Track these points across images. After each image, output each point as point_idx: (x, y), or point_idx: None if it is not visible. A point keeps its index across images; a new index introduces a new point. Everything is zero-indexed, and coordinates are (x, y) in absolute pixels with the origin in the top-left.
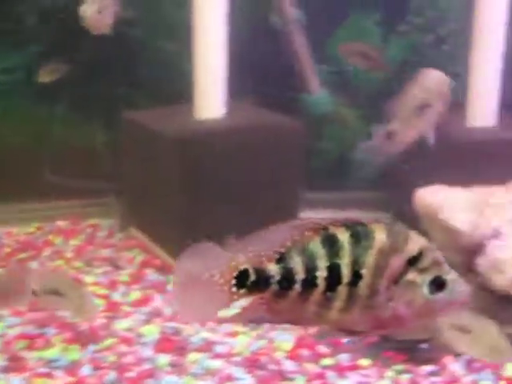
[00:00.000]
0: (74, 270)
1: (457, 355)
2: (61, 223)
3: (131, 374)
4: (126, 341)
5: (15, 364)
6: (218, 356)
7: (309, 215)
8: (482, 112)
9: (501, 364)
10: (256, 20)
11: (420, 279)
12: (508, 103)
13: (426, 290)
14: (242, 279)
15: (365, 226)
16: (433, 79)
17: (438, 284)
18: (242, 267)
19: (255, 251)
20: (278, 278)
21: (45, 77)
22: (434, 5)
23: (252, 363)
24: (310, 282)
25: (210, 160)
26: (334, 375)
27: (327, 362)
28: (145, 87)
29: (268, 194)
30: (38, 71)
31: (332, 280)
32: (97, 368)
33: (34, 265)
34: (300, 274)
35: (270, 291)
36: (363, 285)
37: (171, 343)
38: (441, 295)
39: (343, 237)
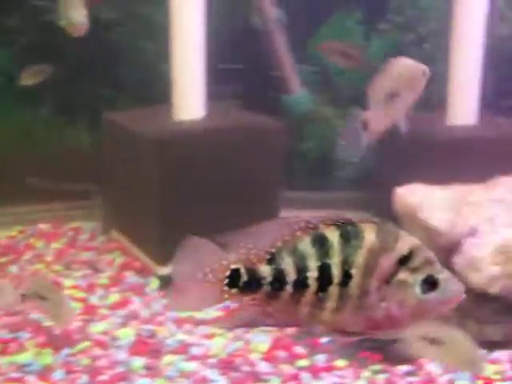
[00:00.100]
0: (54, 274)
1: None
2: (43, 226)
3: (104, 378)
4: (101, 344)
5: None
6: (193, 358)
7: (290, 214)
8: (463, 110)
9: (475, 374)
10: (236, 20)
11: (412, 279)
12: (488, 102)
13: (418, 289)
14: (233, 279)
15: (355, 225)
16: (402, 67)
17: (431, 283)
18: (233, 266)
19: (246, 250)
20: (269, 279)
21: (27, 79)
22: (414, 4)
23: (227, 365)
24: (301, 283)
25: (188, 161)
26: (309, 376)
27: (303, 363)
28: (126, 88)
29: (248, 194)
30: (21, 74)
31: (323, 280)
32: (69, 372)
33: (13, 269)
34: (291, 275)
35: (261, 292)
36: (354, 285)
37: (146, 346)
38: (433, 295)
39: (333, 236)
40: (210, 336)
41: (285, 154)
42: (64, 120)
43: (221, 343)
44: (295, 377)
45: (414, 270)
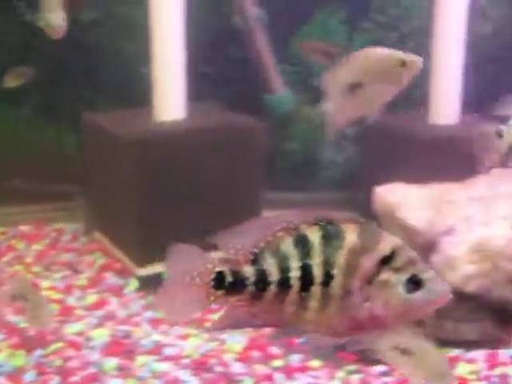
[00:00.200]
0: (33, 275)
1: None
2: (25, 228)
3: (75, 379)
4: (74, 345)
5: None
6: (166, 359)
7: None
8: (445, 110)
9: None
10: (217, 20)
11: (395, 279)
12: (470, 101)
13: (402, 289)
14: (219, 281)
15: (336, 225)
16: (370, 58)
17: (415, 283)
18: (218, 269)
19: (231, 252)
20: (253, 279)
21: (10, 82)
22: (396, 3)
23: (200, 365)
24: (284, 283)
25: (169, 162)
26: (282, 377)
27: (277, 363)
28: (107, 89)
29: (229, 194)
30: (3, 76)
31: (305, 280)
32: (41, 373)
33: None
34: (274, 275)
35: (246, 292)
36: (335, 285)
37: (120, 346)
38: (418, 294)
39: (314, 237)
40: (185, 337)
41: (266, 154)
42: (45, 121)
43: (195, 344)
44: (269, 377)
45: (397, 270)
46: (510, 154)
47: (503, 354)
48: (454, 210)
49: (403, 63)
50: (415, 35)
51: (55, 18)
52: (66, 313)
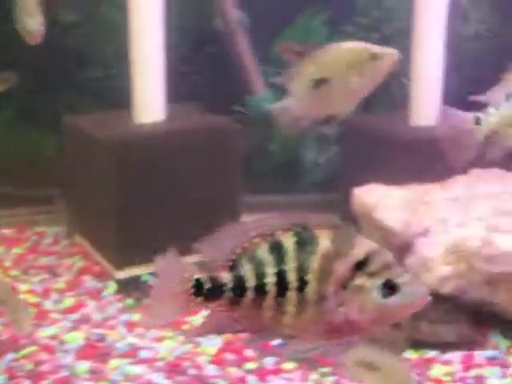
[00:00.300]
0: (11, 279)
1: None
2: (6, 231)
3: (46, 382)
4: (47, 349)
5: None
6: (140, 362)
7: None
8: (425, 111)
9: None
10: (198, 22)
11: (369, 283)
12: (451, 102)
13: (376, 294)
14: (198, 288)
15: (310, 231)
16: (336, 53)
17: (390, 287)
18: (197, 276)
19: (209, 259)
20: (230, 285)
21: None
22: (379, 5)
23: (173, 368)
24: (260, 289)
25: (147, 164)
26: (255, 379)
27: (251, 366)
28: (87, 91)
29: (208, 196)
30: None
31: (281, 286)
32: (12, 378)
33: None
34: (251, 281)
35: (225, 298)
36: (310, 290)
37: (94, 350)
38: (394, 299)
39: (288, 243)
40: (160, 339)
41: (247, 156)
42: (26, 124)
43: (170, 346)
44: (242, 380)
45: (372, 275)
46: (487, 144)
47: (479, 355)
48: (430, 211)
49: (374, 56)
50: (397, 37)
51: (33, 23)
52: (41, 316)
